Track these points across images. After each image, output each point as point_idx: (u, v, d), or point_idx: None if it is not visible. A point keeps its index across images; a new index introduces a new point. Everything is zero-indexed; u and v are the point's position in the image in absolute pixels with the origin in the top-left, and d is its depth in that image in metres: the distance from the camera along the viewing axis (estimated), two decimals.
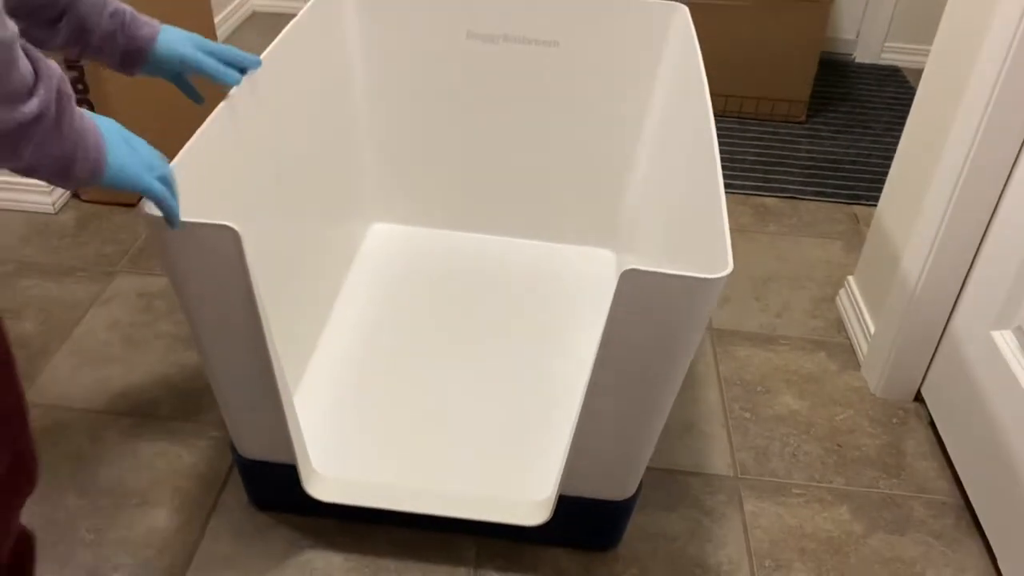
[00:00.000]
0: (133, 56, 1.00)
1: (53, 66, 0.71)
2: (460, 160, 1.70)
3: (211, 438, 1.33)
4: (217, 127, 1.06)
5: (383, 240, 1.73)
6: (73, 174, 0.76)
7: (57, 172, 0.75)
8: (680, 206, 1.27)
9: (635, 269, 0.88)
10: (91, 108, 1.68)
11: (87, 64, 1.65)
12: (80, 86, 1.67)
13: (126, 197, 1.82)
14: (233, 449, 1.17)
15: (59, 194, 1.82)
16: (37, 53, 0.70)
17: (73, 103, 0.74)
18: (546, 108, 1.63)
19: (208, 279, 0.93)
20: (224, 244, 0.90)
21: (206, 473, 1.27)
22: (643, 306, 0.91)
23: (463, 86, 1.62)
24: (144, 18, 1.00)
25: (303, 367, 1.40)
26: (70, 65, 1.64)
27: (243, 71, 1.12)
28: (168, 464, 1.28)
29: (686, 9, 1.51)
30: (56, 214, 1.80)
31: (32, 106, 0.68)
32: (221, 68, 1.07)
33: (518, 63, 1.59)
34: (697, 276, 0.88)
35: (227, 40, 2.62)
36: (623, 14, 1.54)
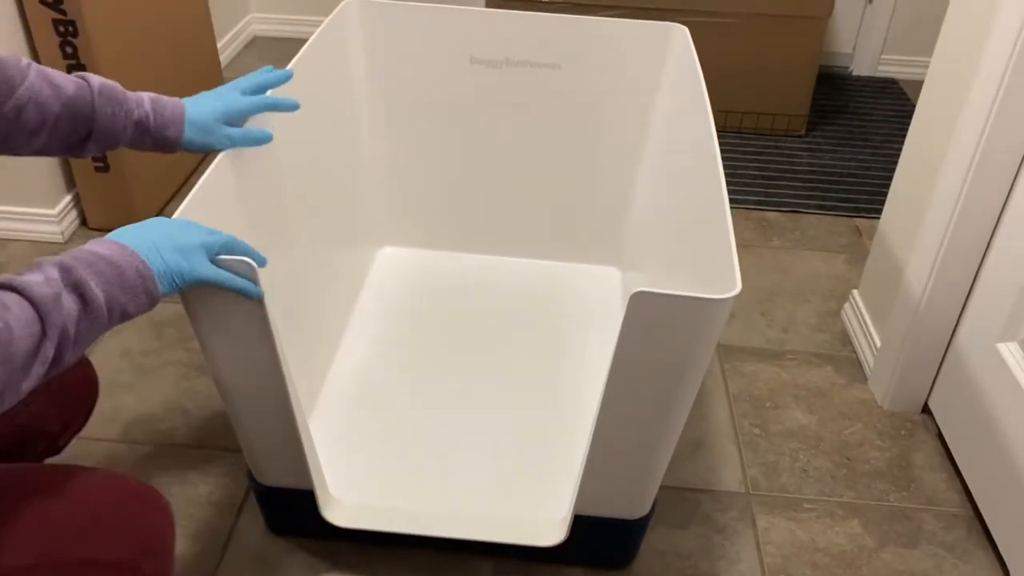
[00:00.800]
0: (164, 149, 1.02)
1: (51, 276, 0.72)
2: (466, 182, 1.71)
3: (226, 464, 1.34)
4: (227, 159, 1.07)
5: (393, 263, 1.74)
6: (132, 313, 0.79)
7: (118, 322, 0.78)
8: (685, 223, 1.29)
9: (644, 291, 0.89)
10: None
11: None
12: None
13: (138, 218, 1.84)
14: (250, 476, 1.19)
15: (68, 222, 1.84)
16: (31, 290, 0.70)
17: (88, 287, 0.74)
18: (550, 129, 1.65)
19: (224, 312, 0.95)
20: (242, 275, 0.91)
21: (222, 500, 1.28)
22: (653, 328, 0.92)
23: (468, 110, 1.64)
24: (168, 112, 1.00)
25: (317, 391, 1.41)
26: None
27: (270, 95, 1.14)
28: (184, 492, 1.29)
29: (685, 29, 1.53)
30: (65, 243, 1.82)
31: (48, 350, 0.70)
32: (251, 138, 1.09)
33: (521, 86, 1.61)
34: (706, 297, 0.89)
35: (229, 66, 2.65)
36: (623, 35, 1.56)
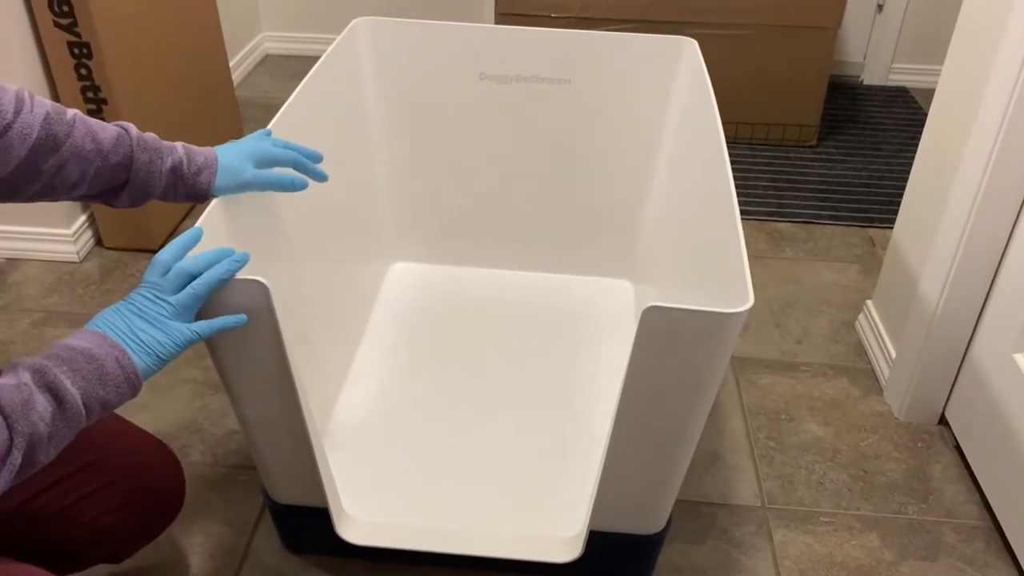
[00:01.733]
0: (198, 198, 1.00)
1: (22, 386, 0.72)
2: (478, 197, 1.72)
3: (241, 482, 1.34)
4: None
5: (404, 279, 1.75)
6: (114, 404, 0.78)
7: (99, 415, 0.78)
8: (696, 236, 1.29)
9: (657, 306, 0.89)
10: (101, 106, 1.70)
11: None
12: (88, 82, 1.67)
13: (150, 242, 1.86)
14: (265, 494, 1.19)
15: (83, 242, 1.85)
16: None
17: (62, 387, 0.74)
18: (560, 144, 1.65)
19: (239, 332, 0.95)
20: (253, 298, 0.91)
21: (236, 518, 1.28)
22: (666, 342, 0.92)
23: (478, 125, 1.65)
24: (200, 158, 0.99)
25: (331, 408, 1.41)
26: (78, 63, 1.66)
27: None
28: (199, 510, 1.29)
29: (694, 43, 1.53)
30: (80, 263, 1.83)
31: (15, 458, 0.70)
32: (287, 179, 1.05)
33: (531, 101, 1.61)
34: (719, 311, 0.89)
35: (241, 84, 2.67)
36: (633, 50, 1.56)
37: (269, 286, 0.91)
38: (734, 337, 0.94)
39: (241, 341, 0.97)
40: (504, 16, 2.27)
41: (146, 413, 1.46)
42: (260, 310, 0.93)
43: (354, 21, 1.55)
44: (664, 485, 1.08)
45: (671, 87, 1.58)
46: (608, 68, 1.58)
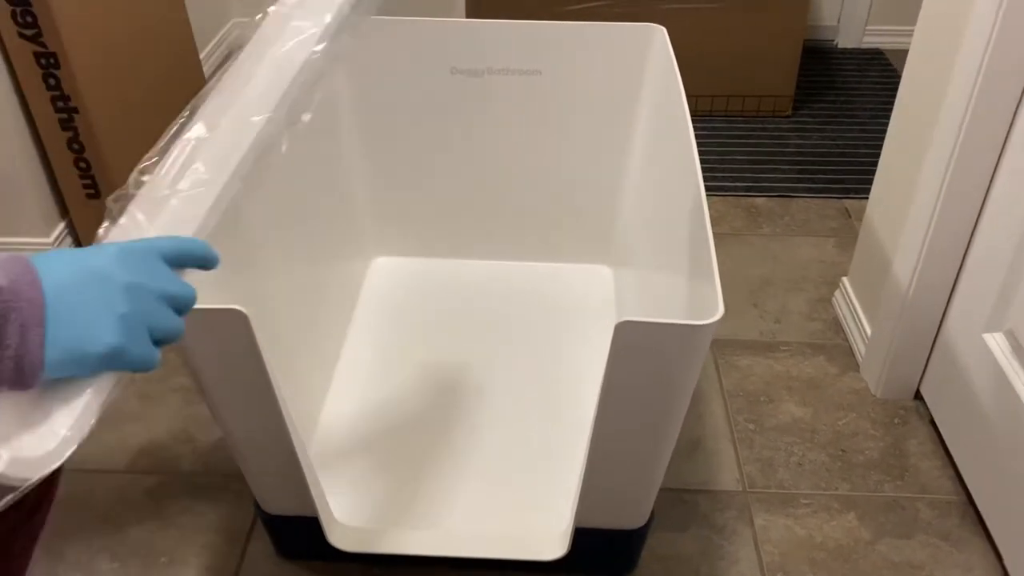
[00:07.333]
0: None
1: None
2: (455, 190, 1.73)
3: (233, 491, 1.36)
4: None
5: (386, 274, 1.76)
6: None
7: None
8: (669, 221, 1.30)
9: (630, 321, 0.91)
10: (72, 115, 1.68)
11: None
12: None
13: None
14: (256, 504, 1.21)
15: (56, 234, 1.85)
16: None
17: None
18: (534, 134, 1.66)
19: (219, 360, 0.97)
20: (233, 326, 0.93)
21: (231, 526, 1.31)
22: (640, 354, 0.94)
23: (452, 119, 1.65)
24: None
25: (317, 411, 1.43)
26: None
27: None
28: (193, 521, 1.32)
29: (663, 30, 1.53)
30: None
31: None
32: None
33: (503, 93, 1.61)
34: (690, 324, 0.91)
35: (213, 75, 2.64)
36: (602, 39, 1.56)
37: (248, 315, 0.92)
38: (706, 344, 0.96)
39: (222, 367, 0.98)
40: None
41: (137, 422, 1.48)
42: (240, 338, 0.94)
43: None
44: (645, 482, 1.11)
45: (642, 74, 1.58)
46: (578, 58, 1.58)
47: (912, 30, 1.40)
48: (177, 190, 0.80)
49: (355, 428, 1.42)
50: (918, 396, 1.52)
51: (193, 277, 0.68)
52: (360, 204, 1.72)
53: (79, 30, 1.64)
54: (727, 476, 1.38)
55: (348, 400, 1.47)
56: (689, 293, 1.14)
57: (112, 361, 0.57)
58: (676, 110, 1.33)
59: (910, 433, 1.46)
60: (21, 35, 1.58)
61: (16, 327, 0.51)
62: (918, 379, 1.50)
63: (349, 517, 1.26)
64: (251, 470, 1.14)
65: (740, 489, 1.36)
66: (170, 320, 0.62)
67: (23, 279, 0.52)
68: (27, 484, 0.55)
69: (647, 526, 1.19)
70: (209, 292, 0.99)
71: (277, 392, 1.00)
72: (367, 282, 1.74)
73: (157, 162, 0.82)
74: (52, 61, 1.61)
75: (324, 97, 1.55)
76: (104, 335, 0.56)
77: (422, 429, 1.41)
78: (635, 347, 0.93)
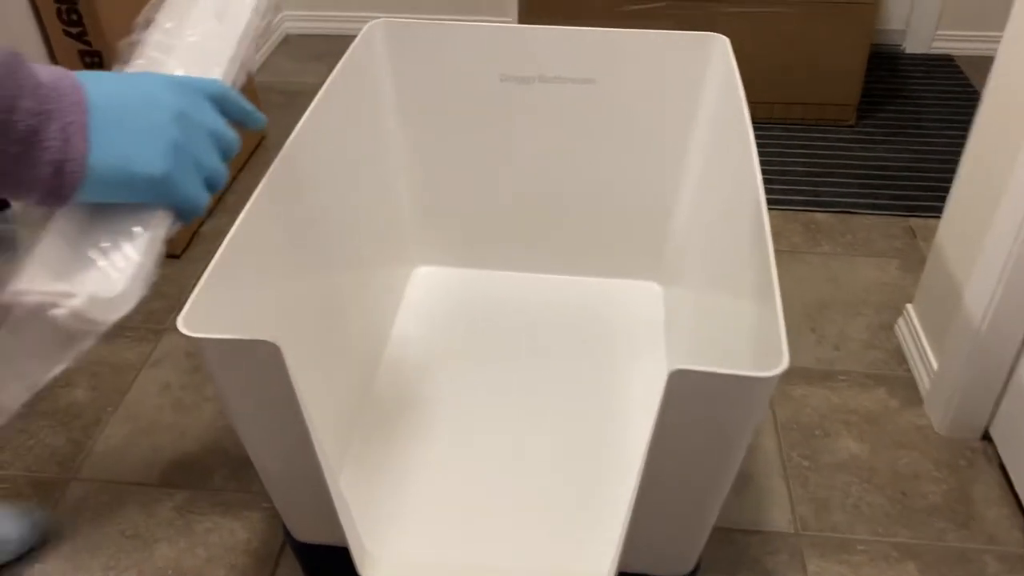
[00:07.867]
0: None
1: None
2: (501, 200, 1.67)
3: (263, 509, 1.33)
4: (265, 199, 1.04)
5: (428, 284, 1.71)
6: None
7: None
8: (726, 239, 1.23)
9: (683, 370, 0.84)
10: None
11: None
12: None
13: (170, 246, 1.83)
14: (285, 530, 1.17)
15: None
16: None
17: None
18: (585, 145, 1.59)
19: (250, 389, 0.92)
20: (265, 357, 0.88)
21: (259, 548, 1.28)
22: (694, 403, 0.88)
23: (500, 127, 1.59)
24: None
25: (352, 430, 1.39)
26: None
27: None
28: (222, 540, 1.29)
29: (726, 40, 1.45)
30: None
31: None
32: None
33: (554, 102, 1.55)
34: (751, 375, 0.84)
35: (263, 67, 2.62)
36: (660, 48, 1.49)
37: (281, 347, 0.88)
38: (768, 395, 0.89)
39: (254, 397, 0.94)
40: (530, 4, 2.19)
41: (169, 433, 1.45)
42: (272, 367, 0.90)
43: (368, 24, 1.49)
44: (694, 532, 1.05)
45: (701, 86, 1.50)
46: (635, 67, 1.51)
47: (985, 36, 1.30)
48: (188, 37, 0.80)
49: (390, 455, 1.37)
50: (986, 437, 1.43)
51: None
52: (404, 211, 1.67)
53: (124, 29, 1.61)
54: (779, 516, 1.31)
55: (384, 421, 1.42)
56: (747, 325, 1.07)
57: (160, 190, 0.54)
58: (737, 125, 1.25)
59: (977, 476, 1.37)
60: (66, 33, 1.55)
61: (58, 128, 0.46)
62: (987, 418, 1.41)
63: (382, 548, 1.21)
64: (280, 499, 1.09)
65: (792, 531, 1.29)
66: (217, 161, 0.59)
67: (66, 80, 0.48)
68: (102, 326, 0.54)
69: (694, 572, 1.12)
70: (248, 290, 0.95)
71: (308, 424, 0.96)
72: (408, 291, 1.69)
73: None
74: (97, 60, 1.58)
75: (370, 105, 1.51)
76: (154, 158, 0.52)
77: (458, 457, 1.36)
78: (689, 396, 0.87)
